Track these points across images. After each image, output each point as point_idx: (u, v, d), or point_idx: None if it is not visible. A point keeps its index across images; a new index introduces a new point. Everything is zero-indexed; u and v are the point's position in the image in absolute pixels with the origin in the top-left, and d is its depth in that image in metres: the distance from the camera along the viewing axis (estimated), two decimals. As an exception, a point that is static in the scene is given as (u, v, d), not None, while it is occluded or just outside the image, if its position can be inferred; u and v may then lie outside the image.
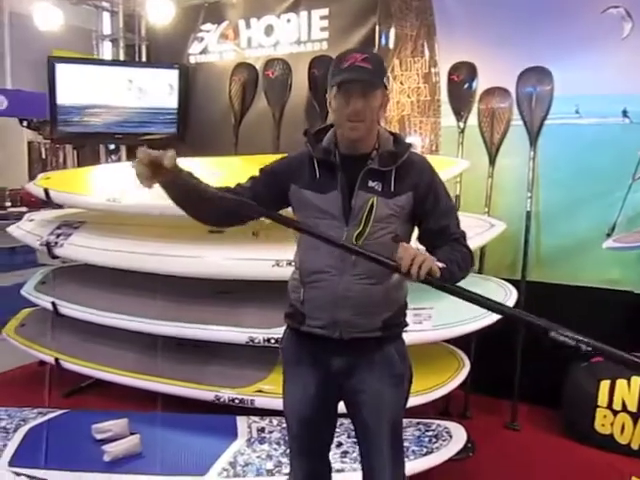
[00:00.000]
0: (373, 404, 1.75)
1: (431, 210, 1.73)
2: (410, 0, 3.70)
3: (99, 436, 2.90)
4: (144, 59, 4.92)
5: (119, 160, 4.91)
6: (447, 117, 3.70)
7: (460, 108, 3.60)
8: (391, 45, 3.81)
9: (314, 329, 1.74)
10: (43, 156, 4.86)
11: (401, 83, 3.77)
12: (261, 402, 3.11)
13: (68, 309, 3.63)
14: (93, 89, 4.47)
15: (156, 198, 3.16)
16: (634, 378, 3.06)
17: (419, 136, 3.81)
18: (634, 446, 2.99)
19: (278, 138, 4.01)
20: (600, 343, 1.44)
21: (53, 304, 3.66)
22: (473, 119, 3.58)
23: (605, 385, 3.11)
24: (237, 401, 3.17)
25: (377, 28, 3.84)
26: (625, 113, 3.27)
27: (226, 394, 3.20)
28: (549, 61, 3.37)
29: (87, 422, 3.04)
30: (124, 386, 3.51)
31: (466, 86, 3.57)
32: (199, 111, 4.67)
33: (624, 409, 3.05)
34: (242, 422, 3.08)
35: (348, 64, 1.63)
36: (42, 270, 4.07)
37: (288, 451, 1.98)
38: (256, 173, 1.81)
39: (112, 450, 2.75)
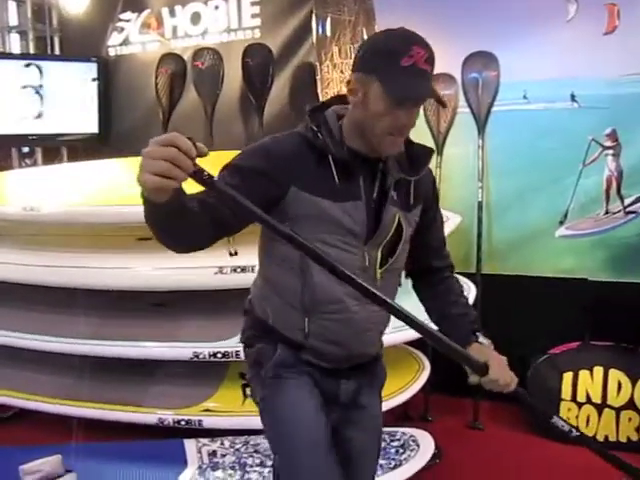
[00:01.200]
0: (374, 425, 1.61)
1: (432, 223, 1.54)
2: (347, -16, 3.50)
3: (29, 478, 2.56)
4: (57, 52, 4.50)
5: (35, 164, 4.48)
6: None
7: (404, 97, 3.44)
8: (328, 32, 3.60)
9: (319, 361, 1.47)
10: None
11: (341, 72, 3.55)
12: (209, 422, 2.87)
13: (-16, 333, 3.24)
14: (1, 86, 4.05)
15: (77, 205, 2.84)
16: (596, 368, 3.00)
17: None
18: (599, 438, 2.92)
19: (211, 134, 3.72)
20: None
21: (-35, 328, 3.25)
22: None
23: (568, 377, 3.03)
24: (183, 423, 2.90)
25: (313, 14, 3.61)
26: (573, 97, 3.19)
27: (170, 416, 2.92)
28: (494, 46, 3.27)
29: (14, 461, 2.68)
30: (53, 415, 3.16)
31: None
32: (122, 108, 4.32)
33: (588, 401, 2.98)
34: (191, 446, 2.81)
35: (410, 63, 1.26)
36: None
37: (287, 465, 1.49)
38: (224, 174, 1.31)
39: (43, 494, 2.42)
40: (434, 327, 1.46)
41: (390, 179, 1.40)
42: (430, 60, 1.29)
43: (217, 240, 1.29)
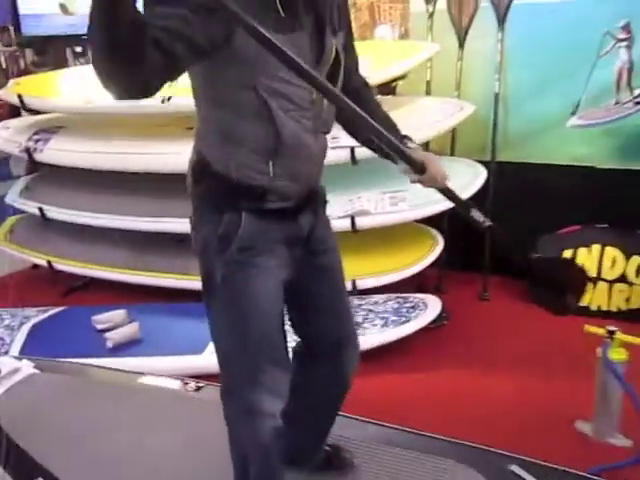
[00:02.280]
0: (338, 262, 1.66)
1: (351, 45, 1.54)
2: None
3: (100, 326, 3.10)
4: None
5: (88, 63, 4.83)
6: (416, 2, 3.70)
7: (429, -9, 3.60)
8: None
9: (284, 204, 1.45)
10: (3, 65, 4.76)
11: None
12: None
13: (55, 213, 3.75)
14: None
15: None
16: (594, 246, 3.30)
17: (389, 22, 3.82)
18: (593, 307, 3.26)
19: None
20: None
21: (40, 209, 3.76)
22: (442, 3, 3.58)
23: (568, 254, 3.34)
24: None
25: None
26: (592, -11, 3.30)
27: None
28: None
29: (87, 316, 3.24)
30: (118, 283, 3.70)
31: (434, -33, 3.56)
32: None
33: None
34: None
35: None
36: (23, 178, 4.13)
37: (244, 361, 1.51)
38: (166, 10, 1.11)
39: (114, 337, 2.96)
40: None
41: (323, 6, 1.37)
42: None
43: (168, 81, 1.15)
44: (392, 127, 1.53)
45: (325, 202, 1.62)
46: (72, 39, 4.58)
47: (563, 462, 1.92)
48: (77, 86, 3.76)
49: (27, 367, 2.42)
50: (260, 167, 1.39)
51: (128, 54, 1.01)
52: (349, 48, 1.52)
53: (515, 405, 2.56)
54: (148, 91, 1.10)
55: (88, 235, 3.79)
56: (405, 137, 1.51)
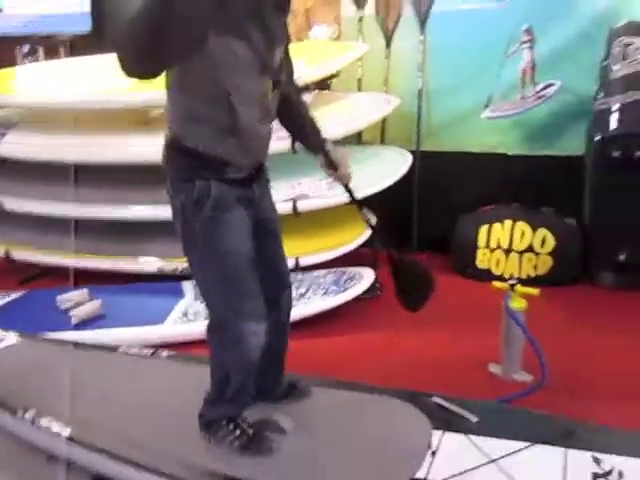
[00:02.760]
0: (278, 229, 2.05)
1: (287, 52, 1.85)
2: None
3: (64, 305, 3.35)
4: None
5: (37, 61, 5.01)
6: (347, 8, 4.10)
7: (358, -2, 4.01)
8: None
9: (241, 174, 1.81)
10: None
11: (304, -24, 4.10)
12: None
13: (12, 204, 3.95)
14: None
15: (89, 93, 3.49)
16: (507, 221, 3.77)
17: (323, 26, 4.20)
18: (506, 275, 3.73)
19: None
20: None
21: (-3, 200, 3.96)
22: (370, 8, 3.99)
23: (484, 229, 3.81)
24: (179, 270, 3.65)
25: None
26: (500, -4, 3.78)
27: (168, 265, 3.69)
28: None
29: (49, 297, 3.47)
30: (76, 269, 3.92)
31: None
32: (114, 6, 4.78)
33: (498, 247, 3.78)
34: (187, 284, 3.59)
35: None
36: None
37: (228, 296, 1.85)
38: None
39: (78, 314, 3.22)
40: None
41: (274, 24, 1.70)
42: None
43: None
44: (316, 130, 1.94)
45: (268, 180, 2.01)
46: (20, 39, 4.76)
47: (478, 396, 2.33)
48: (31, 82, 3.98)
49: (12, 337, 2.68)
50: (221, 143, 1.74)
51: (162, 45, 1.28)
52: (287, 57, 1.86)
53: (437, 356, 2.97)
54: (158, 74, 1.40)
55: (44, 225, 4.00)
56: (325, 140, 1.92)
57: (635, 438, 1.97)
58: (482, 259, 3.80)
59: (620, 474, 1.77)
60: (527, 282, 3.60)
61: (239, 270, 1.85)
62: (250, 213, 1.89)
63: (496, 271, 3.77)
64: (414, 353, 3.02)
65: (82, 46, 4.76)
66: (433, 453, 1.91)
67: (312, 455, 1.95)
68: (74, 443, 2.08)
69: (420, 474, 1.83)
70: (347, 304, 3.37)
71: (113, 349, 2.71)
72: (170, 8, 1.26)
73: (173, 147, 1.81)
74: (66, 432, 2.11)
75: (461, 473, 1.81)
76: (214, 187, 1.78)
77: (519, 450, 1.89)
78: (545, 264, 3.70)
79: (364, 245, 3.76)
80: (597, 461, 1.82)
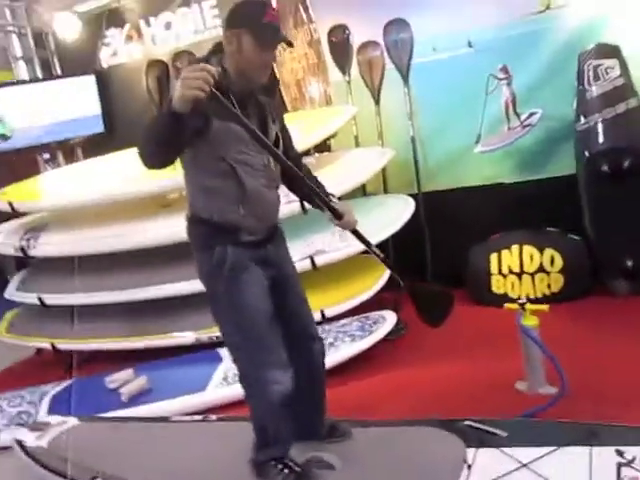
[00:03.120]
0: (298, 280, 2.30)
1: (288, 135, 2.20)
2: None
3: (112, 385, 3.57)
4: (59, 71, 5.39)
5: (59, 166, 5.41)
6: (334, 73, 4.44)
7: (343, 63, 4.35)
8: (276, 21, 4.47)
9: (253, 237, 2.07)
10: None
11: (290, 52, 4.45)
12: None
13: (53, 299, 4.23)
14: (20, 109, 4.97)
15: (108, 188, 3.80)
16: (514, 247, 3.97)
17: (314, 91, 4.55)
18: (523, 297, 3.89)
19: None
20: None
21: (39, 298, 4.25)
22: (355, 71, 4.32)
23: (494, 257, 4.01)
24: (215, 338, 3.87)
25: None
26: (470, 44, 4.09)
27: (204, 335, 3.92)
28: (406, 12, 4.15)
29: (97, 381, 3.71)
30: (115, 352, 4.17)
31: (344, 44, 4.31)
32: (121, 108, 5.22)
33: (510, 272, 3.97)
34: (223, 350, 3.79)
35: (268, 19, 1.90)
36: (18, 274, 4.62)
37: (248, 349, 2.09)
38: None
39: (127, 391, 3.44)
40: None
41: (264, 105, 2.06)
42: (277, 14, 1.96)
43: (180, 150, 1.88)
44: (320, 186, 2.20)
45: (283, 238, 2.28)
46: (39, 147, 5.18)
47: (508, 414, 2.47)
48: (55, 187, 4.33)
49: (72, 420, 2.91)
50: (233, 210, 2.02)
51: (168, 148, 1.80)
52: (284, 127, 2.18)
53: (466, 382, 3.11)
54: (164, 166, 1.85)
55: (85, 314, 4.27)
56: (330, 194, 2.19)
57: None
58: (497, 285, 3.98)
59: (643, 461, 1.91)
60: (543, 300, 3.82)
61: (258, 325, 2.08)
62: (268, 272, 2.14)
63: (512, 294, 3.93)
64: (443, 383, 3.17)
65: (95, 145, 5.18)
66: (469, 467, 2.07)
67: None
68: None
69: (459, 486, 1.99)
70: (374, 347, 3.54)
71: (165, 419, 2.92)
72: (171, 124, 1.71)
73: (193, 220, 2.11)
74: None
75: (494, 479, 1.97)
76: (230, 251, 2.04)
77: (547, 454, 2.05)
78: (557, 282, 3.87)
79: (382, 290, 3.97)
80: (620, 453, 1.97)
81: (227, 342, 2.21)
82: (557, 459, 2.02)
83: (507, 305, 2.92)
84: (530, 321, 2.80)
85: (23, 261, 4.67)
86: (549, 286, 3.89)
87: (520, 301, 2.85)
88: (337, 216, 2.12)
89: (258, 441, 2.22)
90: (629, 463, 1.92)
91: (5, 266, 6.85)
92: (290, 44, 2.08)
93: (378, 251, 2.25)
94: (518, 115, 4.09)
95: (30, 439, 2.85)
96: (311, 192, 2.11)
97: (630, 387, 2.74)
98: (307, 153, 4.20)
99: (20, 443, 2.83)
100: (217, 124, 1.89)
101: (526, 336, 2.80)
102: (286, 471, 2.16)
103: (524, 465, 2.02)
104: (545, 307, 2.81)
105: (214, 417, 2.88)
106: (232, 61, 1.97)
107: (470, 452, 2.15)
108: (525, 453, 2.07)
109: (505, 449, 2.12)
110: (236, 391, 3.16)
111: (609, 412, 2.44)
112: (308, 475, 2.17)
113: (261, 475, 2.21)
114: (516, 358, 3.03)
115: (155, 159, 1.82)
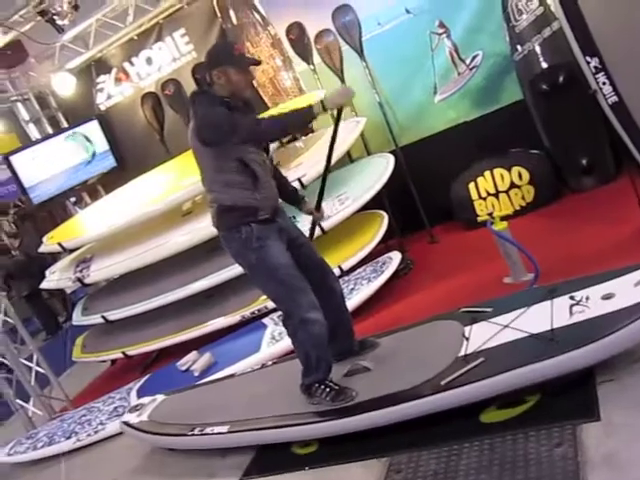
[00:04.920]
0: (306, 239, 3.02)
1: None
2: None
3: (183, 367, 4.26)
4: (65, 124, 6.10)
5: (85, 206, 6.12)
6: (300, 65, 5.07)
7: (305, 55, 4.97)
8: (239, 33, 5.11)
9: (268, 214, 2.75)
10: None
11: (257, 56, 5.07)
12: (272, 304, 4.49)
13: (115, 314, 4.94)
14: (43, 164, 5.68)
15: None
16: (486, 172, 4.60)
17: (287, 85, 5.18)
18: (505, 212, 4.50)
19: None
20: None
21: (103, 317, 4.96)
22: (317, 58, 4.95)
23: (472, 185, 4.64)
24: (256, 312, 4.55)
25: (224, 26, 5.13)
26: (407, 10, 4.69)
27: (247, 312, 4.59)
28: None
29: (169, 370, 4.41)
30: (179, 344, 4.86)
31: (301, 38, 4.93)
32: (126, 141, 5.90)
33: (488, 194, 4.60)
34: (266, 319, 4.48)
35: (237, 51, 2.70)
36: (80, 301, 5.34)
37: (288, 294, 2.75)
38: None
39: (197, 368, 4.14)
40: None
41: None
42: (242, 46, 2.90)
43: None
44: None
45: (284, 212, 2.97)
46: (68, 192, 5.89)
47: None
48: (93, 221, 5.04)
49: (161, 397, 3.63)
50: (251, 196, 2.71)
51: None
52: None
53: (464, 288, 3.76)
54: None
55: (140, 321, 4.97)
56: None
57: (593, 277, 2.73)
58: (480, 208, 4.61)
59: (587, 298, 2.56)
60: (521, 212, 4.46)
61: (290, 275, 2.76)
62: (283, 237, 2.84)
63: (495, 211, 4.55)
64: (447, 294, 3.83)
65: (112, 180, 5.85)
66: (467, 339, 2.73)
67: (389, 376, 2.81)
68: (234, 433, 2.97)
69: (462, 352, 2.65)
70: (391, 283, 4.20)
71: (231, 375, 3.64)
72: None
73: (219, 210, 2.78)
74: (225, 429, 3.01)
75: (485, 342, 2.63)
76: (255, 227, 2.72)
77: (522, 314, 2.70)
78: (529, 192, 4.50)
79: (389, 239, 4.62)
80: (572, 297, 2.61)
81: (271, 298, 2.89)
82: (529, 314, 2.67)
83: (479, 218, 3.55)
84: (500, 226, 3.44)
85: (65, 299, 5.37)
86: (523, 198, 4.51)
87: (489, 211, 3.48)
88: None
89: (304, 369, 2.87)
90: (578, 302, 2.57)
91: (54, 307, 7.72)
92: (258, 62, 2.81)
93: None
94: (463, 60, 4.70)
95: (133, 418, 3.55)
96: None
97: (589, 257, 3.37)
98: (295, 139, 4.85)
99: (127, 423, 3.52)
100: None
101: (499, 238, 3.44)
102: (327, 389, 2.80)
103: (506, 326, 2.67)
104: (508, 210, 3.44)
105: (270, 362, 3.57)
106: (226, 90, 2.65)
107: (467, 329, 2.81)
108: (506, 318, 2.72)
109: (491, 319, 2.78)
110: (285, 345, 3.89)
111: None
112: (344, 391, 2.79)
113: (309, 396, 2.86)
114: (501, 261, 3.68)
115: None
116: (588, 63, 3.36)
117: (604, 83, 3.32)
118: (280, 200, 2.94)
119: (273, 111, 2.89)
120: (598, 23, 3.28)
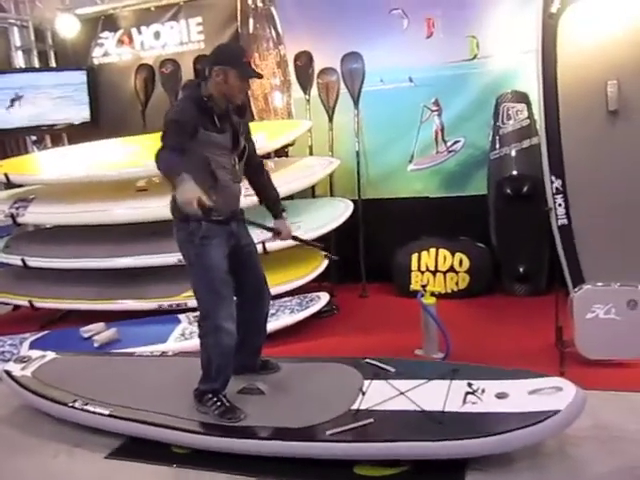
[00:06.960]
0: (254, 251, 3.08)
1: (252, 142, 2.98)
2: (261, 9, 5.14)
3: (86, 334, 4.21)
4: (54, 64, 6.03)
5: (45, 148, 6.02)
6: (297, 91, 5.21)
7: (305, 84, 5.11)
8: (251, 43, 5.23)
9: (221, 217, 2.71)
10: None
11: (261, 70, 5.19)
12: (192, 303, 4.51)
13: (35, 262, 4.84)
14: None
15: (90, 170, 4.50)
16: (431, 249, 4.79)
17: (278, 105, 5.31)
18: (435, 292, 4.68)
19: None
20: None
21: (22, 260, 4.85)
22: (315, 91, 5.10)
23: (415, 257, 4.82)
24: (175, 306, 4.55)
25: (240, 30, 5.24)
26: (410, 79, 4.92)
27: (166, 302, 4.59)
28: (360, 47, 4.94)
29: (72, 332, 4.34)
30: (87, 313, 4.79)
31: (307, 68, 5.08)
32: (108, 102, 5.87)
33: (427, 269, 4.79)
34: (182, 315, 4.49)
35: (247, 60, 2.74)
36: (2, 239, 5.20)
37: (211, 297, 2.78)
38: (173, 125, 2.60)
39: (99, 339, 4.09)
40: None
41: (236, 122, 2.78)
42: (251, 57, 2.91)
43: None
44: (276, 197, 3.05)
45: (244, 220, 2.99)
46: (31, 130, 5.79)
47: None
48: (47, 165, 4.97)
49: (51, 354, 3.56)
50: (208, 195, 2.66)
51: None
52: (249, 139, 2.93)
53: (377, 348, 3.84)
54: None
55: (62, 278, 4.89)
56: (284, 210, 3.04)
57: (495, 370, 2.89)
58: (416, 280, 4.78)
59: (483, 390, 2.70)
60: (452, 295, 4.66)
61: (219, 279, 2.79)
62: (230, 242, 2.87)
63: (428, 287, 4.72)
64: (359, 346, 3.92)
65: (80, 133, 5.80)
66: (363, 393, 2.82)
67: (280, 407, 2.87)
68: (114, 418, 2.94)
69: (354, 406, 2.74)
70: (312, 321, 4.29)
71: (130, 354, 3.61)
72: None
73: (174, 202, 2.77)
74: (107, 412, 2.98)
75: (379, 403, 2.73)
76: (204, 225, 2.74)
77: (420, 385, 2.82)
78: (464, 280, 4.70)
79: (323, 280, 4.71)
80: (470, 385, 2.75)
81: (196, 296, 2.89)
82: (425, 388, 2.79)
83: (412, 286, 3.70)
84: (429, 300, 3.59)
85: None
86: (457, 283, 4.71)
87: (422, 283, 3.64)
88: (276, 233, 3.00)
89: (203, 375, 2.90)
90: (474, 392, 2.70)
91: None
92: (260, 76, 2.88)
93: (317, 243, 3.33)
94: (445, 142, 4.94)
95: (16, 369, 3.47)
96: (269, 192, 3.07)
97: (498, 353, 3.55)
98: (268, 156, 4.95)
99: (9, 373, 3.43)
100: (202, 133, 2.65)
101: (424, 311, 3.59)
102: (219, 404, 2.83)
103: (402, 393, 2.78)
104: (439, 287, 3.60)
105: (170, 353, 3.57)
106: (218, 88, 2.69)
107: (366, 383, 2.90)
108: (405, 384, 2.84)
109: (391, 381, 2.88)
110: (192, 345, 3.89)
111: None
112: (234, 410, 2.82)
113: (199, 402, 2.89)
114: (420, 333, 3.82)
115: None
116: (552, 182, 3.62)
117: (560, 205, 3.58)
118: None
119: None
120: (573, 149, 3.55)
